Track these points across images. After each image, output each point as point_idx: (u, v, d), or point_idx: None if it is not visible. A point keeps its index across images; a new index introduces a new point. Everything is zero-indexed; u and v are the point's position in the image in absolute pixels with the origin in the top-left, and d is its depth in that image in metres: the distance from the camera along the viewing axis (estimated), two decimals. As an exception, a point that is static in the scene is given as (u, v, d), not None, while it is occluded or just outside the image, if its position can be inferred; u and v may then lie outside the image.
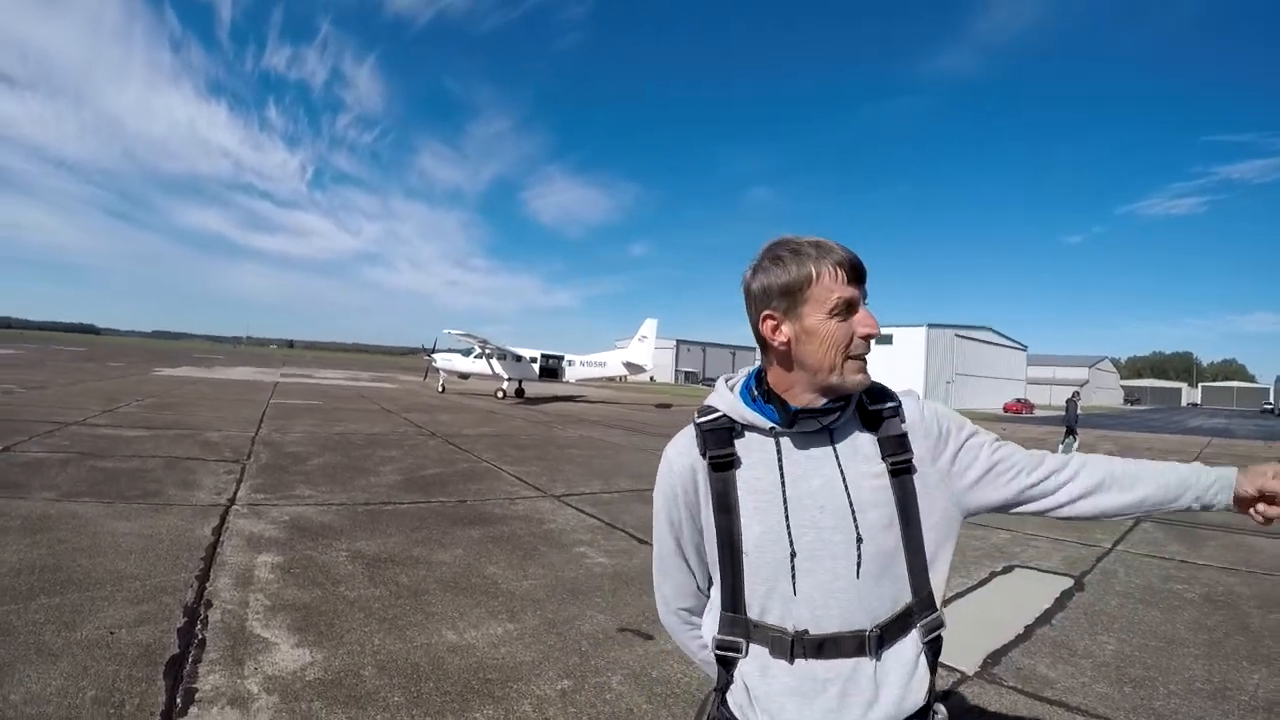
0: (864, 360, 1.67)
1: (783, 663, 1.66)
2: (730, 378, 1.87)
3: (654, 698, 4.48)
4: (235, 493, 9.67)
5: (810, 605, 1.65)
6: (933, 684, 1.75)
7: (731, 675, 1.75)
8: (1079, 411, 24.39)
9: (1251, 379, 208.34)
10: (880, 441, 1.75)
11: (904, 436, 1.76)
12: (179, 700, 4.03)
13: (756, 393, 1.78)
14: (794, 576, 1.65)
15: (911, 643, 1.71)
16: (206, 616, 5.26)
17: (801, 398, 1.70)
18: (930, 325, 79.73)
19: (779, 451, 1.71)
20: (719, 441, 1.73)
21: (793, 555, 1.65)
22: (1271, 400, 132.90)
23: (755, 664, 1.70)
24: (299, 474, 11.58)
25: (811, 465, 1.70)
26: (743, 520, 1.68)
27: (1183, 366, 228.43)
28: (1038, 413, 79.36)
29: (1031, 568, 8.37)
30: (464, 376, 41.58)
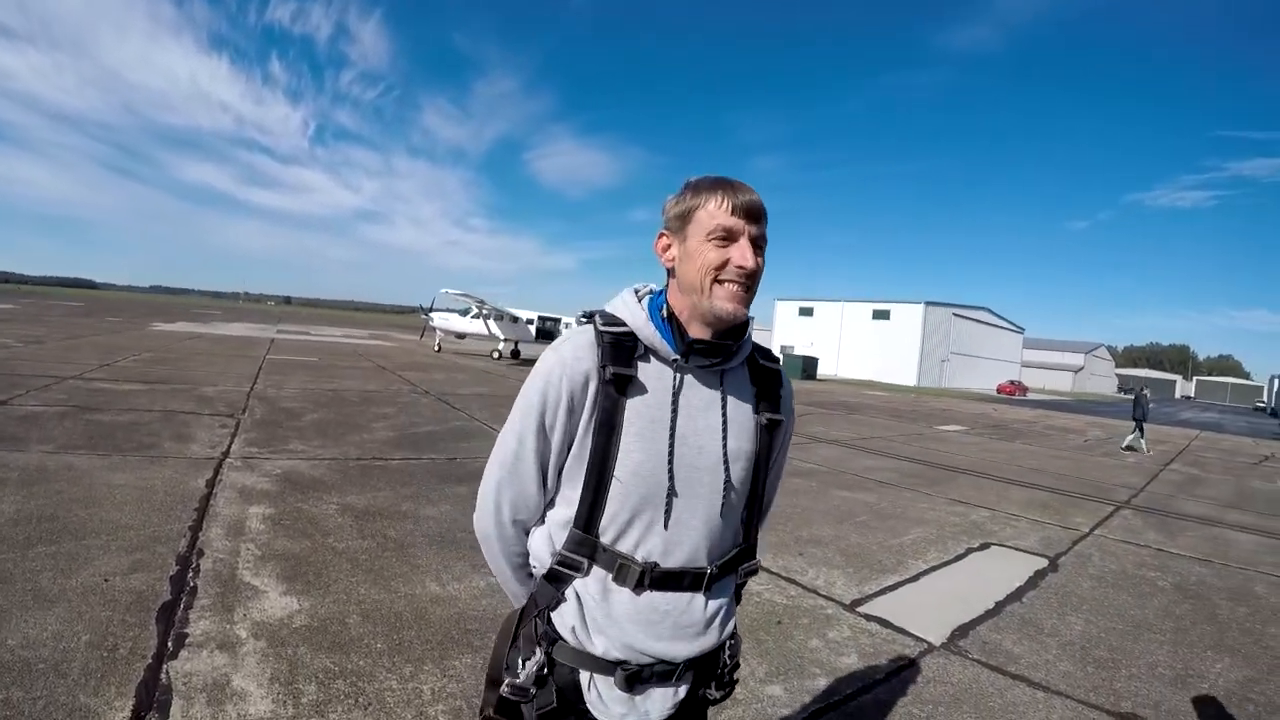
0: (737, 289, 1.69)
1: (626, 590, 1.72)
2: (639, 288, 1.87)
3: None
4: (229, 446, 9.81)
5: (669, 540, 1.72)
6: (734, 618, 1.92)
7: (562, 594, 1.77)
8: (1149, 406, 24.24)
9: (1246, 376, 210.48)
10: (760, 397, 1.86)
11: (779, 398, 1.91)
12: (170, 644, 4.19)
13: (665, 314, 1.79)
14: (668, 510, 1.71)
15: (732, 582, 1.88)
16: (198, 565, 5.42)
17: (693, 326, 1.75)
18: (928, 303, 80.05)
19: (677, 385, 1.74)
20: (620, 358, 1.72)
21: (670, 490, 1.70)
22: (1265, 398, 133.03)
23: (596, 587, 1.74)
24: (292, 429, 11.72)
25: (701, 405, 1.76)
26: (623, 445, 1.70)
27: (1178, 359, 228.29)
28: (1031, 395, 79.38)
29: (1008, 546, 8.54)
30: (460, 336, 41.49)
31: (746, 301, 1.73)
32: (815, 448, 16.09)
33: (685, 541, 1.75)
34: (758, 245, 1.71)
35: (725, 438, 1.77)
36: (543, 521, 1.85)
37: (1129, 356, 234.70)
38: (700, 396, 1.77)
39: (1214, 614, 6.74)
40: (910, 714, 4.31)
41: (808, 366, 59.97)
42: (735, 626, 1.94)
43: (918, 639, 5.42)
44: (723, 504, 1.77)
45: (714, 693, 1.89)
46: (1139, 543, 9.55)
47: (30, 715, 3.36)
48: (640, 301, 1.82)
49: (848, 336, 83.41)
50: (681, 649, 1.76)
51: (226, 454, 9.32)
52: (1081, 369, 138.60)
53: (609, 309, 1.83)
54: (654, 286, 1.89)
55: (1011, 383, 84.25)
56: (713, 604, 1.81)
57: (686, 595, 1.76)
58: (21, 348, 20.54)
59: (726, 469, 1.76)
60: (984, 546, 8.37)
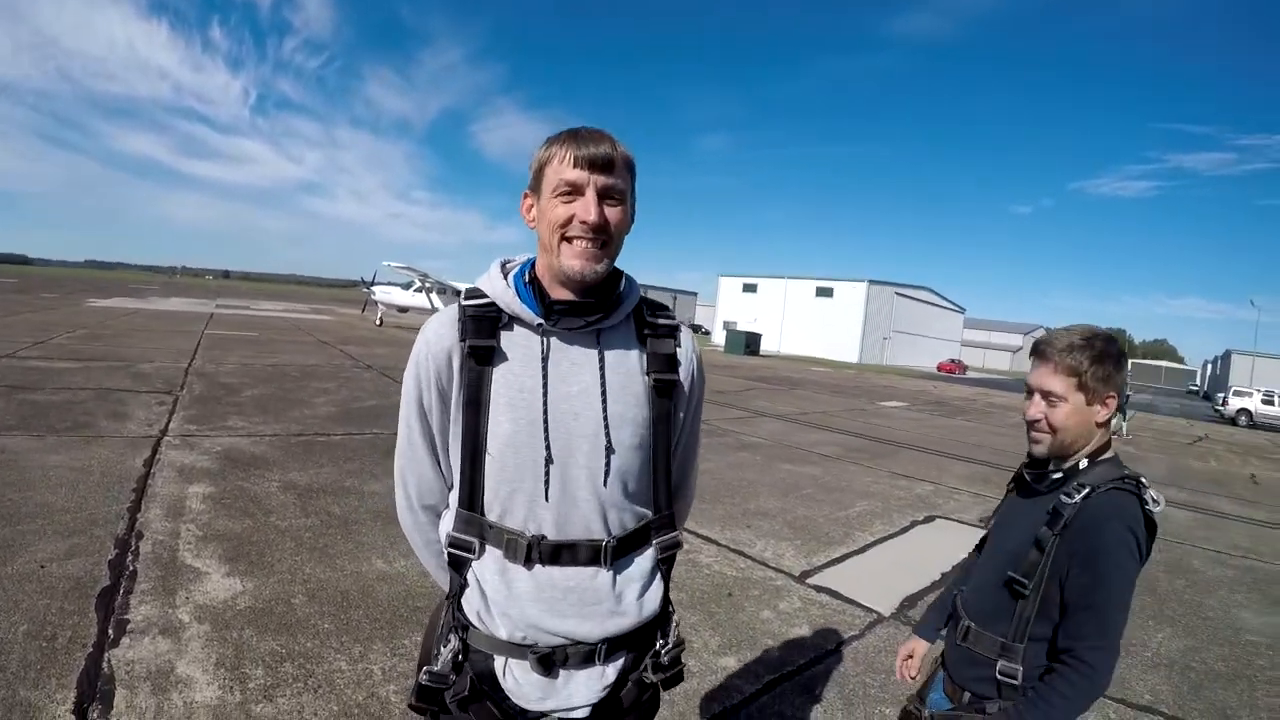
0: (584, 244, 1.64)
1: (521, 568, 1.68)
2: (509, 261, 1.83)
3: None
4: (167, 424, 9.62)
5: (556, 511, 1.67)
6: (667, 595, 1.86)
7: (465, 579, 1.74)
8: (1128, 392, 24.72)
9: (1180, 360, 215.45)
10: (649, 357, 1.79)
11: (673, 356, 1.82)
12: (110, 631, 4.10)
13: (527, 279, 1.75)
14: (547, 481, 1.66)
15: (649, 557, 1.80)
16: (138, 548, 5.31)
17: (554, 288, 1.71)
18: (871, 281, 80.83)
19: (544, 350, 1.70)
20: (481, 330, 1.69)
21: (548, 460, 1.66)
22: (1197, 382, 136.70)
23: (493, 567, 1.70)
24: (232, 405, 11.53)
25: (574, 369, 1.71)
26: (492, 418, 1.67)
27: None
28: (970, 374, 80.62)
29: (951, 519, 8.70)
30: (403, 310, 41.11)
31: (600, 258, 1.66)
32: (760, 422, 16.21)
33: (574, 513, 1.69)
34: (611, 197, 1.66)
35: (605, 401, 1.71)
36: (449, 506, 1.82)
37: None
38: (572, 359, 1.72)
39: (1154, 587, 6.88)
40: (863, 683, 4.37)
41: (751, 342, 60.28)
42: (666, 605, 1.88)
43: (867, 609, 5.49)
44: (607, 471, 1.70)
45: (650, 675, 1.82)
46: (1079, 517, 9.70)
47: (-34, 709, 3.27)
48: (507, 274, 1.78)
49: (791, 313, 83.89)
50: (592, 628, 1.70)
51: (164, 432, 9.14)
52: (1020, 349, 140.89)
53: (476, 283, 1.79)
54: (529, 256, 1.82)
55: (952, 361, 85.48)
56: (621, 578, 1.75)
57: (589, 570, 1.70)
58: (-52, 325, 19.93)
59: (608, 434, 1.70)
60: (928, 519, 8.52)
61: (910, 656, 2.42)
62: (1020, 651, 2.02)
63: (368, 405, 12.73)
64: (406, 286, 39.62)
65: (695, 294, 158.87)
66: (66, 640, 3.95)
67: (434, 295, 38.20)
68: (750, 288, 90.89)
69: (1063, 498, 1.97)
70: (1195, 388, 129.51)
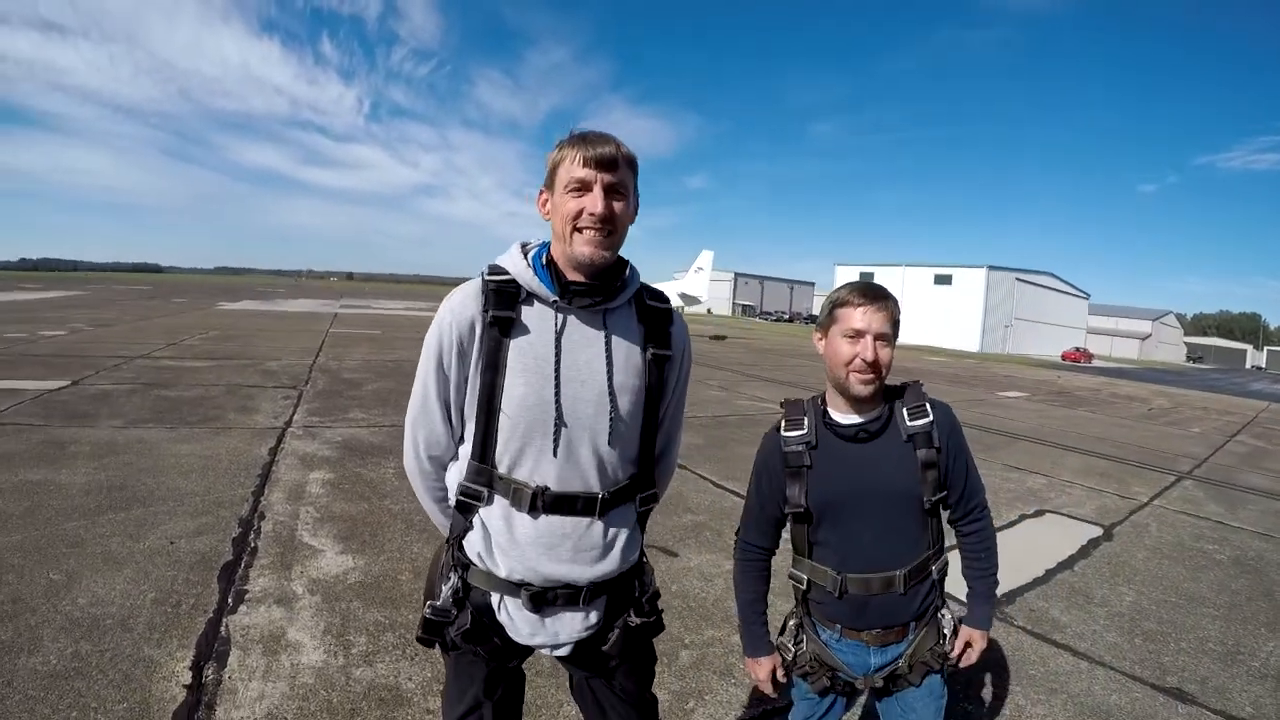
0: (593, 234, 1.84)
1: (525, 515, 1.91)
2: (527, 243, 2.03)
3: (671, 611, 4.65)
4: (292, 416, 10.10)
5: (560, 466, 1.90)
6: (642, 546, 2.12)
7: (470, 522, 1.98)
8: None
9: None
10: (647, 335, 2.03)
11: (668, 335, 2.07)
12: (230, 600, 4.41)
13: (545, 261, 1.96)
14: (555, 439, 1.88)
15: (632, 510, 2.04)
16: (260, 527, 5.64)
17: (568, 271, 1.91)
18: (991, 267, 78.64)
19: (559, 325, 1.91)
20: (502, 303, 1.89)
21: (558, 421, 1.88)
22: None
23: (499, 513, 1.93)
24: (353, 398, 12.00)
25: (583, 343, 1.93)
26: (508, 381, 1.88)
27: (1250, 327, 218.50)
28: (1096, 363, 77.62)
29: (1062, 514, 8.39)
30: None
31: (608, 246, 1.88)
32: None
33: (576, 468, 1.92)
34: (616, 192, 1.87)
35: (610, 371, 1.94)
36: (457, 458, 2.04)
37: (1198, 324, 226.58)
38: (583, 334, 1.94)
39: (1270, 591, 6.47)
40: (948, 679, 4.35)
41: (867, 332, 59.43)
42: (642, 556, 2.16)
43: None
44: (610, 433, 1.94)
45: (634, 619, 2.08)
46: (1198, 514, 9.26)
47: (98, 666, 3.57)
48: (526, 254, 1.98)
49: (909, 301, 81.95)
50: (583, 572, 1.95)
51: (289, 424, 9.60)
52: (1149, 337, 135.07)
53: (497, 261, 1.99)
54: (544, 240, 2.04)
55: (1077, 349, 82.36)
56: (611, 529, 2.00)
57: (584, 520, 1.95)
58: (91, 330, 21.14)
59: (612, 400, 1.93)
60: (1038, 513, 8.28)
61: (773, 671, 2.44)
62: (938, 548, 2.33)
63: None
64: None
65: (812, 284, 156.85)
66: (190, 607, 4.27)
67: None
68: (867, 276, 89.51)
69: (914, 422, 2.25)
70: None
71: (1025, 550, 6.88)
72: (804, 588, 2.37)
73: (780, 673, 2.43)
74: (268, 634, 4.03)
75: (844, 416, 2.28)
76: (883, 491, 2.23)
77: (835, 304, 2.26)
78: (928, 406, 2.28)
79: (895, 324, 2.22)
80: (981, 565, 2.42)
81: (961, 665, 2.35)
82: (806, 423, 2.30)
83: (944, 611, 2.36)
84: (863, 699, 2.49)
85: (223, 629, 4.05)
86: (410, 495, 6.51)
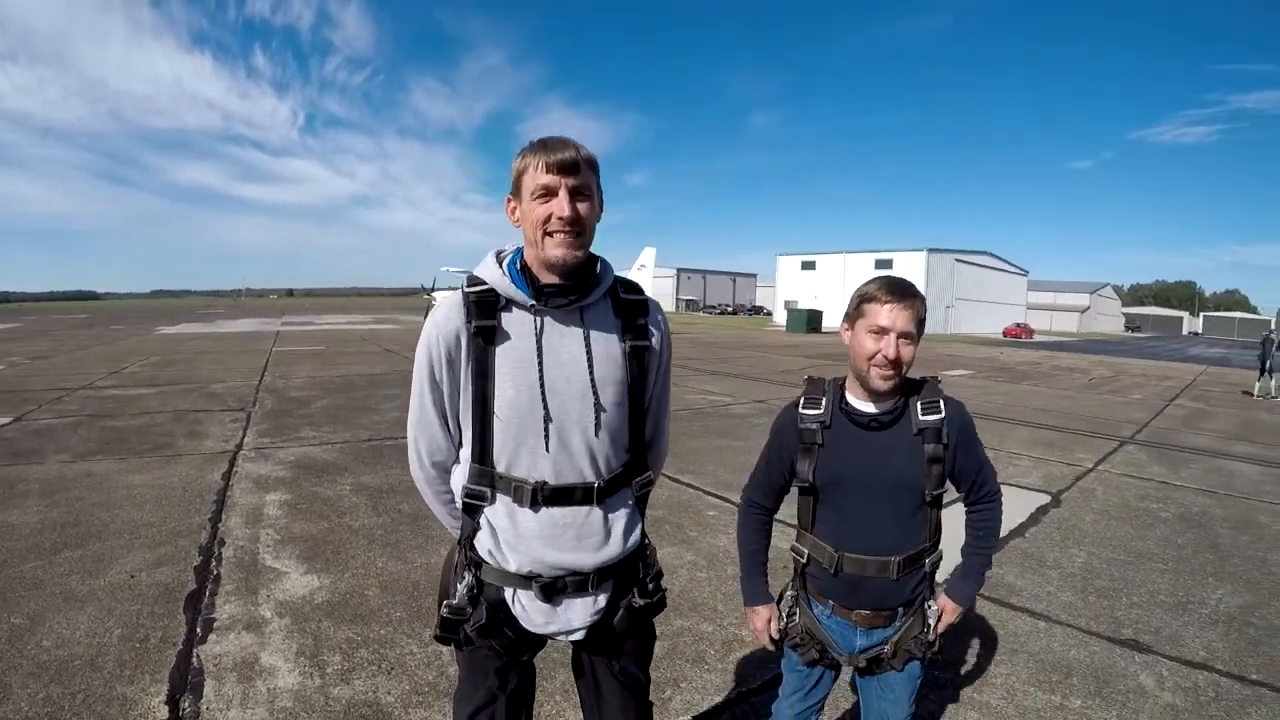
0: (563, 236, 1.92)
1: (527, 510, 2.01)
2: (501, 251, 2.11)
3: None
4: (242, 439, 9.99)
5: (555, 461, 2.00)
6: (643, 527, 2.20)
7: (478, 522, 2.07)
8: (1276, 349, 23.40)
9: (1254, 310, 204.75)
10: (624, 327, 2.11)
11: (645, 326, 2.15)
12: (199, 630, 4.38)
13: (520, 266, 2.04)
14: (546, 436, 1.98)
15: (629, 496, 2.13)
16: (220, 554, 5.60)
17: (542, 274, 2.00)
18: (930, 250, 79.31)
19: (538, 328, 2.00)
20: (484, 313, 1.98)
21: (546, 418, 1.98)
22: (1273, 328, 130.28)
23: (503, 510, 2.03)
24: (303, 417, 11.90)
25: (563, 342, 2.01)
26: (496, 384, 1.98)
27: (1185, 295, 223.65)
28: (1037, 338, 78.96)
29: (1011, 484, 8.61)
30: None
31: (577, 246, 1.96)
32: (821, 399, 16.06)
33: (570, 461, 2.02)
34: (580, 194, 1.94)
35: (591, 366, 2.02)
36: (459, 462, 2.14)
37: (1135, 295, 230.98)
38: (562, 333, 2.02)
39: (1215, 543, 6.80)
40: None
41: (812, 320, 59.72)
42: (644, 539, 2.24)
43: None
44: (597, 424, 2.03)
45: (638, 599, 2.18)
46: (1142, 476, 9.60)
47: (71, 710, 3.53)
48: (501, 262, 2.06)
49: (851, 288, 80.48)
50: (587, 558, 2.05)
51: (240, 446, 9.50)
52: (1087, 309, 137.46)
53: (475, 272, 2.07)
54: (517, 246, 2.11)
55: (1018, 325, 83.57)
56: (611, 515, 2.10)
57: (583, 509, 2.05)
58: (29, 364, 20.65)
59: (595, 393, 2.02)
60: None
61: (769, 620, 2.57)
62: (934, 542, 2.42)
63: (432, 409, 12.91)
64: (465, 289, 39.93)
65: (754, 275, 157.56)
66: (158, 640, 4.24)
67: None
68: (809, 265, 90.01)
69: (926, 417, 2.33)
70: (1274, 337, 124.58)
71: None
72: (803, 561, 2.49)
73: (776, 624, 2.55)
74: (240, 661, 4.02)
75: (861, 404, 2.38)
76: (887, 479, 2.33)
77: (863, 299, 2.33)
78: (941, 403, 2.36)
79: (920, 322, 2.29)
80: (979, 544, 2.52)
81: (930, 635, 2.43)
82: (824, 403, 2.41)
83: (931, 603, 2.44)
84: (847, 676, 2.58)
85: (194, 660, 4.02)
86: (370, 511, 6.61)
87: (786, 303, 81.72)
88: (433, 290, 41.55)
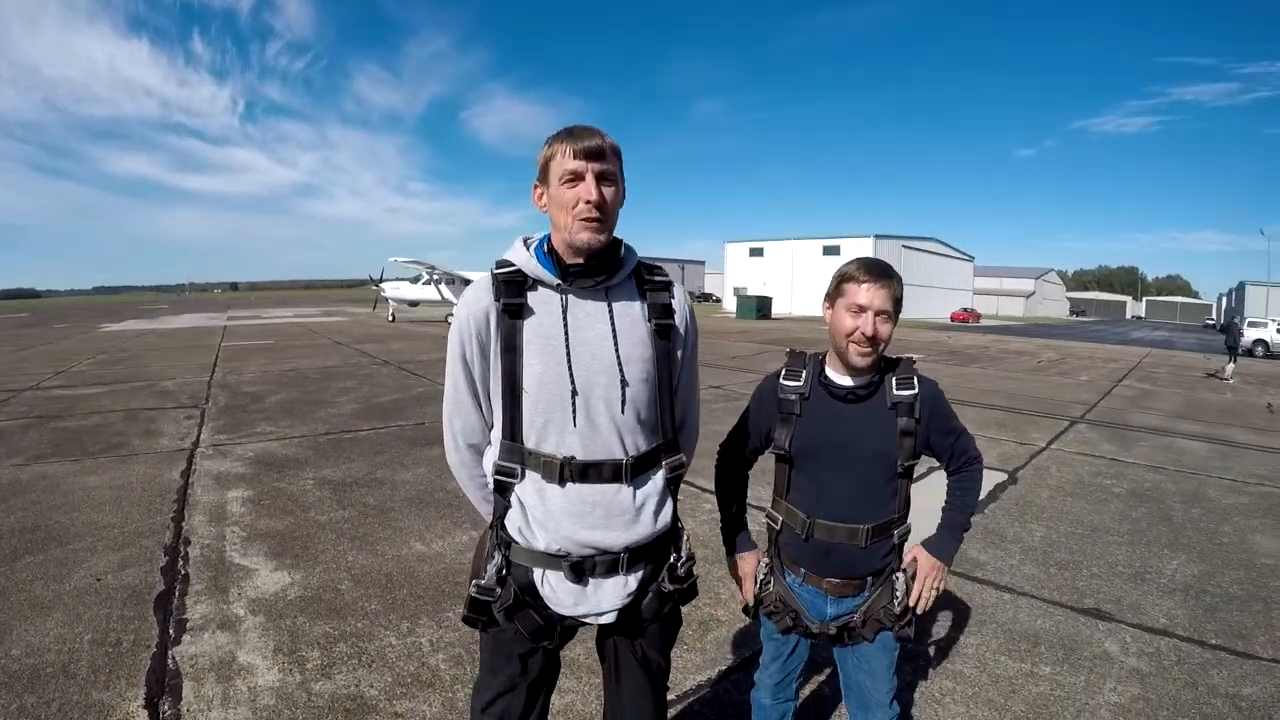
0: (590, 222, 1.99)
1: (556, 487, 2.05)
2: (529, 238, 2.18)
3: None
4: (198, 436, 9.84)
5: (583, 436, 2.04)
6: (675, 510, 2.23)
7: (508, 500, 2.12)
8: (1242, 336, 23.82)
9: (1195, 295, 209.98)
10: (649, 307, 2.17)
11: (669, 306, 2.20)
12: (171, 631, 4.33)
13: (547, 250, 2.11)
14: (574, 410, 2.03)
15: (660, 476, 2.17)
16: (187, 553, 5.53)
17: (568, 256, 2.06)
18: (877, 236, 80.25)
19: (564, 306, 2.06)
20: (512, 291, 2.04)
21: (573, 393, 2.02)
22: (1213, 316, 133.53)
23: (532, 488, 2.07)
24: (258, 412, 11.75)
25: (589, 319, 2.07)
26: (525, 360, 2.03)
27: (1128, 280, 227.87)
28: (984, 322, 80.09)
29: None
30: (413, 304, 41.16)
31: (603, 229, 2.02)
32: (777, 382, 16.15)
33: (597, 436, 2.06)
34: (606, 179, 2.02)
35: (616, 343, 2.08)
36: (490, 443, 2.19)
37: (1079, 280, 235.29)
38: (587, 311, 2.08)
39: (1168, 516, 7.00)
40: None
41: (762, 306, 60.09)
42: (676, 521, 2.26)
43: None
44: (623, 401, 2.07)
45: (667, 585, 2.21)
46: (1094, 454, 9.82)
47: (46, 718, 3.47)
48: (529, 246, 2.14)
49: (800, 274, 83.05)
50: (616, 537, 2.07)
51: (197, 444, 9.36)
52: (1033, 294, 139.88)
53: (504, 256, 2.13)
54: (543, 234, 2.18)
55: (965, 310, 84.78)
56: (640, 493, 2.12)
57: (612, 486, 2.07)
58: (-30, 364, 20.17)
59: (621, 369, 2.07)
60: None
61: (756, 564, 2.70)
62: (903, 514, 2.53)
63: (390, 400, 12.93)
64: (415, 280, 39.58)
65: (703, 262, 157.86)
66: (131, 643, 4.18)
67: (443, 286, 37.95)
68: (757, 252, 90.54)
69: (900, 392, 2.45)
70: (1212, 322, 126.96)
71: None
72: (777, 529, 2.61)
73: (764, 565, 2.66)
74: (218, 661, 3.99)
75: (839, 378, 2.48)
76: (860, 449, 2.43)
77: (843, 279, 2.43)
78: (915, 380, 2.48)
79: (897, 301, 2.39)
80: (956, 502, 2.64)
81: (911, 602, 2.50)
82: (804, 376, 2.52)
83: (898, 574, 2.51)
84: (831, 661, 2.67)
85: (170, 661, 3.98)
86: (334, 505, 6.59)
87: (736, 289, 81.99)
88: (381, 281, 41.15)
